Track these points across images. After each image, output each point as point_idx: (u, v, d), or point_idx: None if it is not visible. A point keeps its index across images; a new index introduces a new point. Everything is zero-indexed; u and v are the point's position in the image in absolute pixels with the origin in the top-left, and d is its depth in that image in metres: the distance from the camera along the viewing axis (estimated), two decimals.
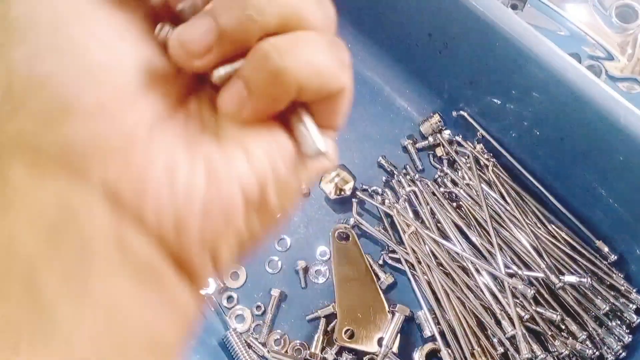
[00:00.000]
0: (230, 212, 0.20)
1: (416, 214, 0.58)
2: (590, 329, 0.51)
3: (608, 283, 0.52)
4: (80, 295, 0.17)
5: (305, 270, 0.58)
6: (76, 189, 0.18)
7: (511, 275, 0.52)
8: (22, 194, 0.18)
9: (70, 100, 0.18)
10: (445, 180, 0.59)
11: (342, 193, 0.60)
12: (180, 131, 0.20)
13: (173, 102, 0.21)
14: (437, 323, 0.53)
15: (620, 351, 0.50)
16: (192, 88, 0.22)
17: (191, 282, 0.20)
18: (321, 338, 0.55)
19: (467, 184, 0.58)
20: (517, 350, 0.49)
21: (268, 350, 0.54)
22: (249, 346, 0.55)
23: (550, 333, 0.51)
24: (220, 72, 0.21)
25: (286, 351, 0.55)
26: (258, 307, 0.57)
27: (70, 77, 0.19)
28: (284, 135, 0.21)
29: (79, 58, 0.19)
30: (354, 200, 0.60)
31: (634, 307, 0.51)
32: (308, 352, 0.55)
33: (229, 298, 0.58)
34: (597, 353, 0.50)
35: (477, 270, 0.53)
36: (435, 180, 0.60)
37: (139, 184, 0.19)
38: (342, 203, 0.61)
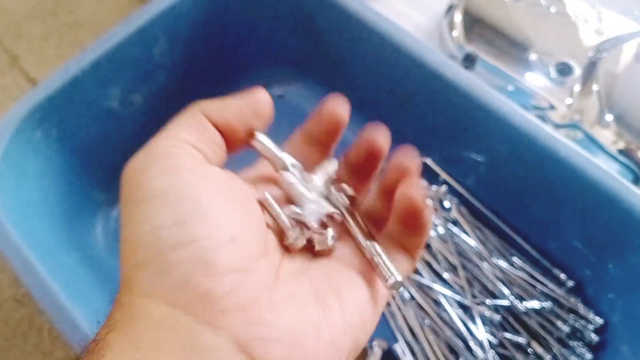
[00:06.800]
0: None
1: None
2: (555, 350, 0.54)
3: (567, 307, 0.57)
4: None
5: None
6: (209, 337, 0.21)
7: (479, 304, 0.56)
8: (161, 327, 0.21)
9: (210, 262, 0.22)
10: None
11: None
12: (292, 288, 0.25)
13: (279, 262, 0.26)
14: (413, 353, 0.56)
15: None
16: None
17: None
18: None
19: (434, 224, 0.63)
20: None
21: None
22: None
23: (518, 356, 0.54)
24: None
25: None
26: None
27: (211, 243, 0.23)
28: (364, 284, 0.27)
29: (218, 229, 0.23)
30: None
31: (593, 327, 0.55)
32: None
33: None
34: None
35: (448, 302, 0.57)
36: None
37: (268, 341, 0.22)
38: None
